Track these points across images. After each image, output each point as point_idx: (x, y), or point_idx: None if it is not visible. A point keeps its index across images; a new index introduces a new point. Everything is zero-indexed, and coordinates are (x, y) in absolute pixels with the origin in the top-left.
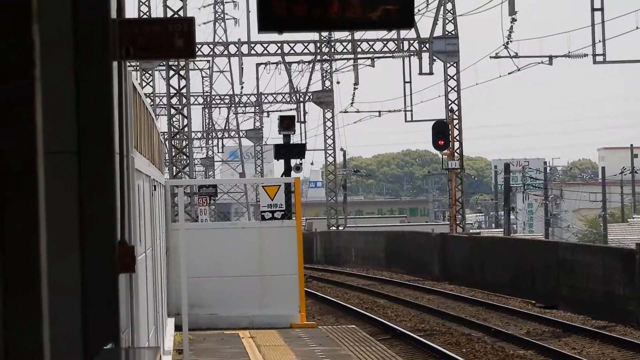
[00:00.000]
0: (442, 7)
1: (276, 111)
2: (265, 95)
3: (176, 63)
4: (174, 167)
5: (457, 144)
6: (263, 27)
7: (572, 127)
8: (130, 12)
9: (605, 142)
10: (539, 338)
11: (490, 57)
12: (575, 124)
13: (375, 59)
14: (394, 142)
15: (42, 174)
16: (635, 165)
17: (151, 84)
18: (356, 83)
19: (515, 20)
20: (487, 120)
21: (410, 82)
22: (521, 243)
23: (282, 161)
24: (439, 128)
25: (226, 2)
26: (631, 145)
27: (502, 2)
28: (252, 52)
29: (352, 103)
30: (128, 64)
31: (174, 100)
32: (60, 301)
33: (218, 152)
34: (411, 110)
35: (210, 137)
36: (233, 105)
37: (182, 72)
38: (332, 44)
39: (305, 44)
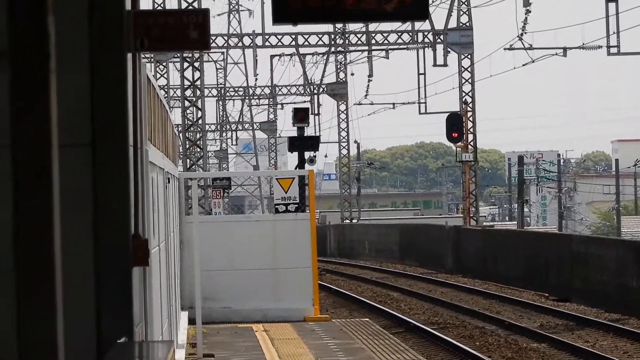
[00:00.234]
0: None
1: (290, 103)
2: (280, 87)
3: (190, 55)
4: (188, 160)
5: (471, 136)
6: (278, 19)
7: (586, 119)
8: (145, 3)
9: (619, 134)
10: (552, 331)
11: (505, 48)
12: (589, 116)
13: (389, 51)
14: (407, 135)
15: (56, 167)
16: None
17: (165, 76)
18: (370, 75)
19: (530, 11)
20: (501, 113)
21: (424, 74)
22: (534, 236)
23: (295, 153)
24: (453, 120)
25: None
26: None
27: None
28: (267, 43)
29: (366, 95)
30: (142, 55)
31: (188, 93)
32: (74, 294)
33: (232, 144)
34: (425, 103)
35: (224, 129)
36: (247, 98)
37: (196, 64)
38: (347, 35)
39: (320, 36)
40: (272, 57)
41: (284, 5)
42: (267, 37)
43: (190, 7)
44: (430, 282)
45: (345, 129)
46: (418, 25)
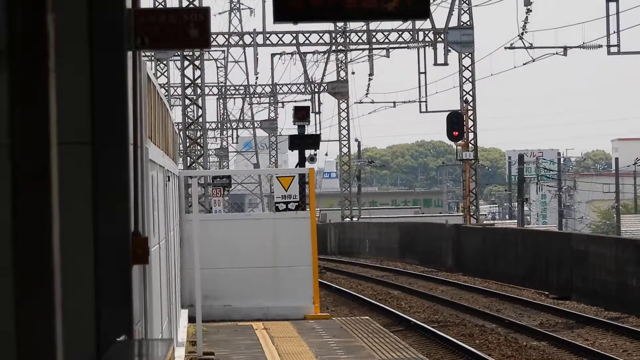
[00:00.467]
0: None
1: (291, 102)
2: (280, 86)
3: (191, 53)
4: (188, 158)
5: (471, 135)
6: (278, 17)
7: (586, 118)
8: (146, 1)
9: (619, 133)
10: (552, 329)
11: (505, 47)
12: (589, 115)
13: (390, 50)
14: (408, 133)
15: (55, 165)
16: None
17: (166, 74)
18: (371, 74)
19: (531, 11)
20: (502, 111)
21: (425, 72)
22: (535, 234)
23: (296, 152)
24: (454, 119)
25: None
26: None
27: None
28: (267, 42)
29: (367, 94)
30: (143, 54)
31: (189, 91)
32: (74, 292)
33: (232, 142)
34: (426, 101)
35: (224, 127)
36: (248, 96)
37: (196, 63)
38: (347, 34)
39: (321, 35)
40: (272, 55)
41: (284, 4)
42: (268, 35)
43: (191, 6)
44: (431, 280)
45: (346, 127)
46: (419, 24)
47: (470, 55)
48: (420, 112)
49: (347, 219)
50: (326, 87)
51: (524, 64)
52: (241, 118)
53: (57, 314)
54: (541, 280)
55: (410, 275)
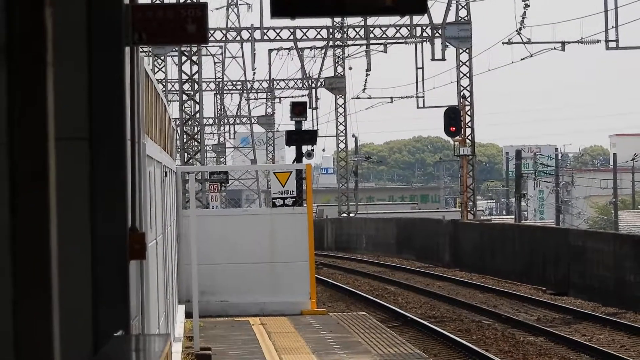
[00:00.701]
0: None
1: (288, 97)
2: (277, 81)
3: (188, 49)
4: (186, 154)
5: (468, 131)
6: (276, 12)
7: (584, 114)
8: None
9: (617, 128)
10: (549, 325)
11: (503, 43)
12: (587, 110)
13: (387, 45)
14: (405, 129)
15: (53, 160)
16: None
17: (163, 69)
18: (368, 69)
19: (528, 6)
20: (499, 107)
21: (422, 68)
22: (532, 230)
23: (293, 147)
24: (451, 114)
25: None
26: None
27: None
28: (265, 37)
29: (364, 89)
30: (140, 49)
31: (186, 86)
32: (71, 288)
33: (230, 138)
34: (423, 97)
35: (222, 123)
36: (245, 91)
37: (194, 58)
38: (345, 29)
39: (318, 30)
40: (270, 51)
41: None
42: (265, 31)
43: (189, 1)
44: (428, 276)
45: (343, 123)
46: (416, 19)
47: (467, 51)
48: (418, 107)
49: (344, 215)
50: (323, 83)
51: (521, 59)
52: (238, 114)
53: (55, 309)
54: (538, 275)
55: (407, 270)
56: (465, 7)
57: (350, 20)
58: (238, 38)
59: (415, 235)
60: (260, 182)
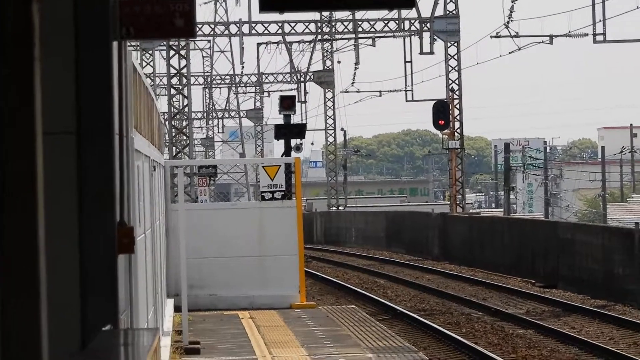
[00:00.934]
0: None
1: (277, 91)
2: (266, 75)
3: (177, 43)
4: (174, 148)
5: (457, 124)
6: (264, 7)
7: (572, 107)
8: None
9: (605, 121)
10: (538, 317)
11: (491, 36)
12: (576, 103)
13: (376, 39)
14: (394, 122)
15: (40, 155)
16: (635, 144)
17: (151, 64)
18: (357, 63)
19: None
20: (488, 100)
21: (411, 61)
22: (521, 223)
23: (282, 141)
24: (440, 108)
25: None
26: (631, 124)
27: None
28: (253, 32)
29: (352, 83)
30: (128, 43)
31: (174, 81)
32: (59, 282)
33: (218, 132)
34: (412, 90)
35: (210, 117)
36: (233, 85)
37: (182, 52)
38: (333, 23)
39: (306, 24)
40: (258, 45)
41: None
42: (253, 25)
43: None
44: (417, 269)
45: (332, 117)
46: (405, 13)
47: (456, 44)
48: (406, 101)
49: (334, 208)
50: (312, 77)
51: (510, 53)
52: (227, 108)
53: (43, 304)
54: (527, 268)
55: (397, 264)
56: (454, 0)
57: (339, 14)
58: (226, 32)
59: (404, 228)
60: (249, 176)
